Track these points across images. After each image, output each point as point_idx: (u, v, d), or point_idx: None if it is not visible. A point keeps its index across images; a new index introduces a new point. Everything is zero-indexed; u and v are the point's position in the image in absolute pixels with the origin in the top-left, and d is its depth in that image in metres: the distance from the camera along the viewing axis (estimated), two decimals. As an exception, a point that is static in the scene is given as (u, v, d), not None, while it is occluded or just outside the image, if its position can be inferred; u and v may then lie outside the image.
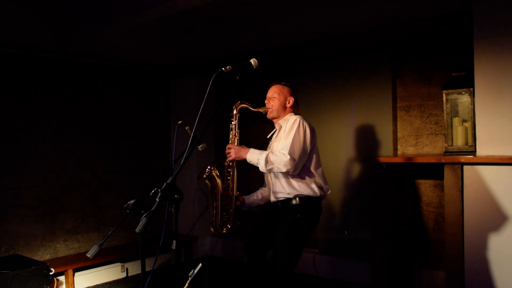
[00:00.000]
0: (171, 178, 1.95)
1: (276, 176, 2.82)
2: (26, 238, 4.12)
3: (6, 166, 4.02)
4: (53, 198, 4.31)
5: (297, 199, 2.77)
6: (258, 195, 3.02)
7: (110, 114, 4.78)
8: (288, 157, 2.63)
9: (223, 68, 2.47)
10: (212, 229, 2.85)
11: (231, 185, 2.82)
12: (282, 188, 2.79)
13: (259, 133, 4.40)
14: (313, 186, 2.78)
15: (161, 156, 5.24)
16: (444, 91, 3.43)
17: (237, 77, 2.62)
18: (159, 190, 1.91)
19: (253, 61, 2.63)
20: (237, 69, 2.55)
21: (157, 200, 1.89)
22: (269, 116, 2.92)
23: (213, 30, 3.91)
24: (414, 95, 3.82)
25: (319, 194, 2.79)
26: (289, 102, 2.90)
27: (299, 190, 2.76)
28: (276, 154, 2.67)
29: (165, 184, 1.92)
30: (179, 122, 2.66)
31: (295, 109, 2.96)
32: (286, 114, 2.91)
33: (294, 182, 2.77)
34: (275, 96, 2.89)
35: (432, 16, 3.40)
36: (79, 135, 4.52)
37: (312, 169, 2.81)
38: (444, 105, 3.44)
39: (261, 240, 2.93)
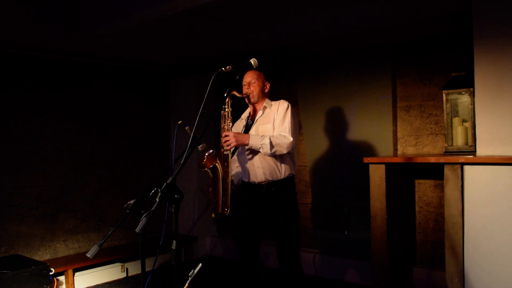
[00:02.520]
0: (171, 178, 1.95)
1: (264, 158, 2.86)
2: (26, 238, 4.12)
3: (6, 166, 4.02)
4: (53, 198, 4.31)
5: (287, 178, 2.92)
6: (239, 175, 3.07)
7: (110, 114, 4.78)
8: (291, 139, 2.78)
9: (223, 68, 2.48)
10: (213, 215, 2.91)
11: (228, 171, 2.85)
12: (274, 169, 2.88)
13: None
14: (295, 165, 2.98)
15: (161, 156, 5.24)
16: (444, 91, 3.44)
17: (237, 77, 2.63)
18: (159, 190, 1.91)
19: (253, 61, 2.64)
20: (237, 69, 2.57)
21: (157, 200, 1.89)
22: (251, 100, 2.98)
23: (213, 30, 3.91)
24: (414, 95, 3.82)
25: (295, 171, 3.00)
26: (266, 87, 3.02)
27: (288, 170, 2.92)
28: (278, 137, 2.77)
29: (165, 184, 1.92)
30: (179, 122, 2.66)
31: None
32: (264, 99, 3.02)
33: (283, 163, 2.89)
34: (254, 82, 2.96)
35: (432, 16, 3.40)
36: (79, 135, 4.52)
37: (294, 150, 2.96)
38: (444, 105, 3.44)
39: (252, 240, 3.00)
